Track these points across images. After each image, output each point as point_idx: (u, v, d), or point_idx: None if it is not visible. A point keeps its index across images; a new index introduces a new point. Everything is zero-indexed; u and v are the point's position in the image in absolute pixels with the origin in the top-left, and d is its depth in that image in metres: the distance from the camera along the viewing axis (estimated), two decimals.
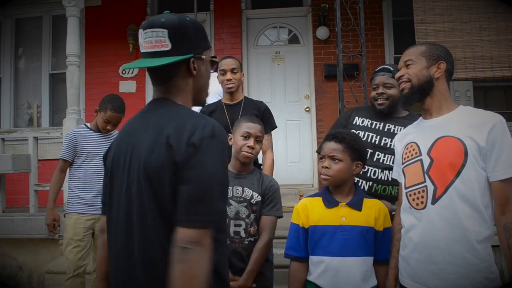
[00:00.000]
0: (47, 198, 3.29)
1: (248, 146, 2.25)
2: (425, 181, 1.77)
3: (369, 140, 2.46)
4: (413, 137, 1.90)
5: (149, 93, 6.28)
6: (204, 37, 1.39)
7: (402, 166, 1.91)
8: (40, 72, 6.70)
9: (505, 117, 1.83)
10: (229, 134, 2.38)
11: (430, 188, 1.74)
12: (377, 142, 2.46)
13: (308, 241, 1.98)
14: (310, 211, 2.00)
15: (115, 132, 3.42)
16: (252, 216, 2.22)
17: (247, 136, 2.28)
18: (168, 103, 1.34)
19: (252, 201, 2.24)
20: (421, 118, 1.97)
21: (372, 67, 5.87)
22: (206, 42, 1.40)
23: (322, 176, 2.00)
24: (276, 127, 3.24)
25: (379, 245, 1.96)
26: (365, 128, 2.52)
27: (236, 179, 2.28)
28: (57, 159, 3.33)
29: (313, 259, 1.97)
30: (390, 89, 2.46)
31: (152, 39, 1.31)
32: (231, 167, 2.33)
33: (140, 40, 1.35)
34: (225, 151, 1.21)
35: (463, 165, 1.69)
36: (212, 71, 1.45)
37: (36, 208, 4.44)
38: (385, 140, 2.45)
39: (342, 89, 4.21)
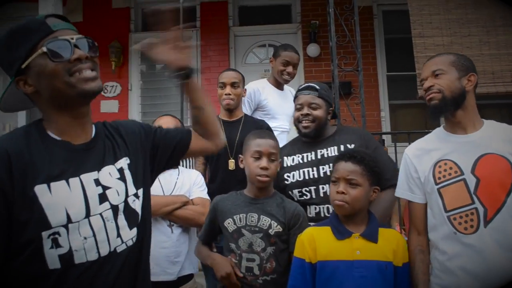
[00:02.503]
0: None
1: (261, 168, 1.92)
2: (473, 203, 1.62)
3: (307, 177, 2.18)
4: (444, 153, 1.73)
5: (132, 113, 5.99)
6: (20, 41, 1.13)
7: (437, 187, 1.71)
8: None
9: None
10: (240, 156, 2.08)
11: (481, 209, 1.60)
12: (316, 176, 2.17)
13: (316, 280, 1.67)
14: (318, 244, 1.69)
15: None
16: (269, 249, 1.88)
17: (258, 157, 1.94)
18: None
19: (270, 231, 1.89)
20: (444, 131, 1.80)
21: (365, 85, 5.74)
22: (26, 43, 1.13)
23: (338, 203, 1.70)
24: None
25: (399, 284, 1.67)
26: (298, 167, 2.24)
27: (252, 205, 1.94)
28: None
29: None
30: (316, 110, 2.20)
31: None
32: (247, 191, 2.01)
33: None
34: None
35: None
36: (55, 60, 1.13)
37: None
38: (323, 169, 2.16)
39: (338, 106, 3.98)
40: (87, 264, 1.11)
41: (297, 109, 2.26)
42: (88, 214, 1.13)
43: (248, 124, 2.87)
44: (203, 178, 2.54)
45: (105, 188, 1.19)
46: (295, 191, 2.19)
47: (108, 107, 5.98)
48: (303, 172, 2.20)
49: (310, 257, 1.70)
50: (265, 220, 1.90)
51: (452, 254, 1.64)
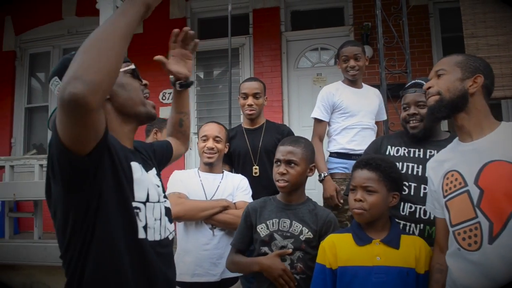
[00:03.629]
0: None
1: (278, 173, 1.99)
2: (477, 216, 1.48)
3: (410, 172, 2.08)
4: (452, 164, 1.62)
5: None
6: None
7: (444, 200, 1.62)
8: None
9: None
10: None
11: (485, 224, 1.45)
12: (420, 174, 2.05)
13: (336, 285, 1.70)
14: (338, 250, 1.73)
15: None
16: (298, 253, 1.92)
17: (278, 162, 2.02)
18: None
19: (301, 237, 1.93)
20: (456, 140, 1.68)
21: None
22: None
23: (356, 211, 1.72)
24: None
25: None
26: (402, 159, 2.14)
27: (284, 211, 2.00)
28: None
29: None
30: (424, 108, 2.05)
31: (55, 91, 1.31)
32: (279, 196, 2.07)
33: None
34: None
35: None
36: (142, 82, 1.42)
37: None
38: None
39: (387, 109, 3.90)
40: (154, 243, 1.28)
41: (403, 109, 2.18)
42: (159, 200, 1.35)
43: (270, 130, 2.93)
44: (247, 182, 2.58)
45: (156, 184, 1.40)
46: None
47: (166, 113, 6.23)
48: (407, 166, 2.10)
49: (330, 263, 1.73)
50: (296, 226, 1.95)
51: (458, 272, 1.54)
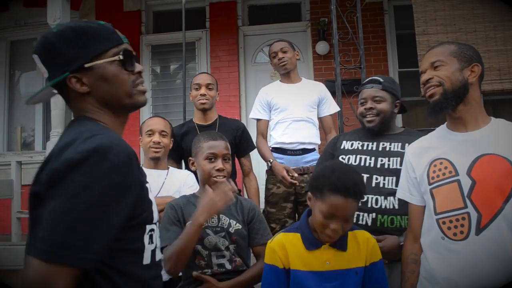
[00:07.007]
0: None
1: (218, 170, 1.94)
2: (466, 207, 1.49)
3: (362, 164, 2.12)
4: (441, 152, 1.61)
5: (144, 112, 6.01)
6: (89, 42, 1.12)
7: (430, 187, 1.60)
8: None
9: None
10: (190, 158, 2.09)
11: (474, 215, 1.47)
12: (372, 165, 2.11)
13: (290, 286, 1.65)
14: (289, 252, 1.67)
15: None
16: (231, 247, 1.90)
17: (212, 158, 1.96)
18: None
19: (230, 229, 1.92)
20: (445, 129, 1.67)
21: None
22: (95, 46, 1.13)
23: (329, 239, 1.62)
24: (255, 147, 3.09)
25: (365, 283, 1.64)
26: (355, 152, 2.19)
27: None
28: None
29: None
30: (380, 103, 2.14)
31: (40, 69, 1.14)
32: (200, 193, 1.99)
33: None
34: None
35: None
36: (135, 68, 1.20)
37: (19, 236, 4.19)
38: (382, 160, 2.10)
39: (341, 105, 3.94)
40: (158, 262, 1.18)
41: (360, 104, 2.22)
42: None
43: (224, 125, 2.91)
44: (194, 178, 2.51)
45: None
46: None
47: None
48: (360, 158, 2.16)
49: (283, 262, 1.67)
50: (224, 219, 1.94)
51: (437, 263, 1.54)
